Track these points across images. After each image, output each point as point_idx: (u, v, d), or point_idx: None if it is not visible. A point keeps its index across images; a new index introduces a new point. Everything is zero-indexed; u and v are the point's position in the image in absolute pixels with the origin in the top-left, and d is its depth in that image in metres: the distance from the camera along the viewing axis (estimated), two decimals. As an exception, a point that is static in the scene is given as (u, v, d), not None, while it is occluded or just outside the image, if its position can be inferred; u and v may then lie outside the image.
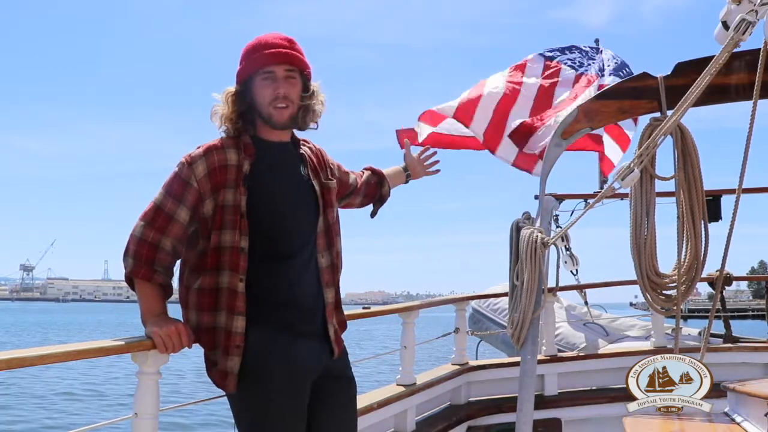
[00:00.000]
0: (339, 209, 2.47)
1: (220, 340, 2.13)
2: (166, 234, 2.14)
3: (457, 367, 4.60)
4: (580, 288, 5.92)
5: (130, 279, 2.16)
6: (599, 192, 5.11)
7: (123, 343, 2.07)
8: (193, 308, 2.18)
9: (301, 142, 2.40)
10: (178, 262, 2.24)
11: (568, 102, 5.20)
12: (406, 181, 2.97)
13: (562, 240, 5.49)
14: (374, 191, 2.80)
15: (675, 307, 3.15)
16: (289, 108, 2.24)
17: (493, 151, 5.36)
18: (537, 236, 3.27)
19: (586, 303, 6.19)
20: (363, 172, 2.79)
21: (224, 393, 2.23)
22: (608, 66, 5.48)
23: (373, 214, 2.86)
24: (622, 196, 4.49)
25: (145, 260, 2.13)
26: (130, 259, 2.15)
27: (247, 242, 2.15)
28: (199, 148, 2.21)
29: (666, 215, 3.11)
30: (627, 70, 5.52)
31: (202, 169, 2.16)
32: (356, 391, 2.40)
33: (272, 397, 2.11)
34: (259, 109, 2.23)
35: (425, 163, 3.00)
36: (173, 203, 2.14)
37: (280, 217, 2.21)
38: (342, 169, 2.61)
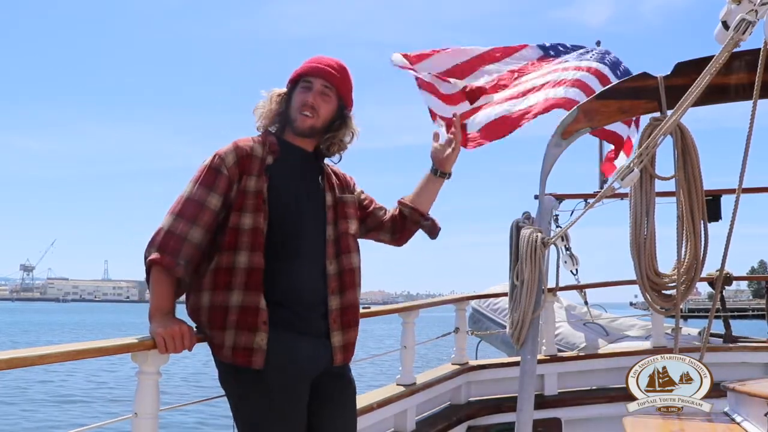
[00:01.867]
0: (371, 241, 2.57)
1: (233, 318, 2.12)
2: (196, 223, 2.15)
3: (457, 366, 4.60)
4: (580, 288, 5.93)
5: (149, 268, 2.15)
6: (599, 192, 5.11)
7: (123, 342, 2.07)
8: (207, 288, 2.17)
9: (326, 163, 2.44)
10: None
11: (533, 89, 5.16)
12: (440, 177, 2.62)
13: (562, 240, 5.49)
14: (401, 223, 2.62)
15: (675, 307, 3.15)
16: (313, 118, 2.30)
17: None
18: (537, 236, 3.27)
19: (586, 303, 6.20)
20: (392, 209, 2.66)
21: (224, 393, 2.23)
22: (601, 57, 5.45)
23: (432, 236, 2.70)
24: (622, 196, 4.48)
25: (170, 251, 2.13)
26: (154, 249, 2.14)
27: (266, 226, 2.18)
28: (228, 144, 2.29)
29: (666, 215, 3.11)
30: (621, 68, 5.48)
31: (232, 158, 2.23)
32: (356, 391, 2.41)
33: (273, 397, 2.12)
34: (290, 112, 2.31)
35: (449, 140, 2.61)
36: (204, 191, 2.18)
37: (292, 215, 2.24)
38: (375, 203, 2.60)
